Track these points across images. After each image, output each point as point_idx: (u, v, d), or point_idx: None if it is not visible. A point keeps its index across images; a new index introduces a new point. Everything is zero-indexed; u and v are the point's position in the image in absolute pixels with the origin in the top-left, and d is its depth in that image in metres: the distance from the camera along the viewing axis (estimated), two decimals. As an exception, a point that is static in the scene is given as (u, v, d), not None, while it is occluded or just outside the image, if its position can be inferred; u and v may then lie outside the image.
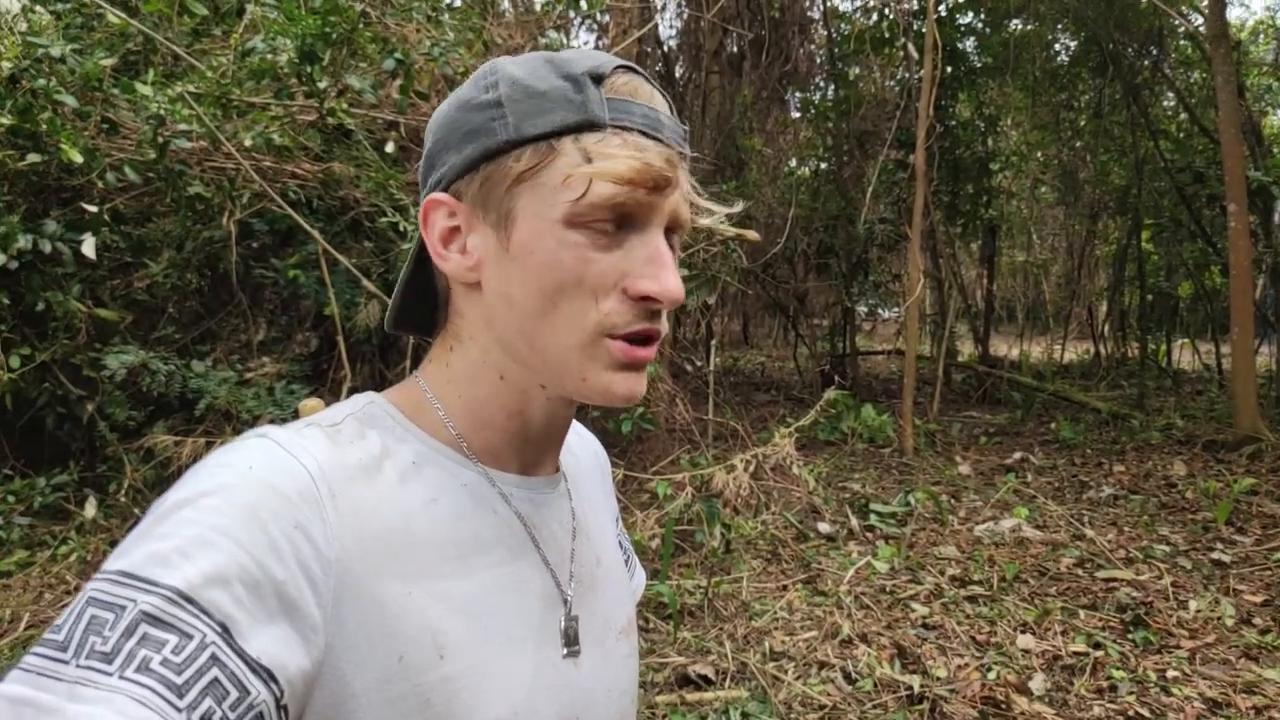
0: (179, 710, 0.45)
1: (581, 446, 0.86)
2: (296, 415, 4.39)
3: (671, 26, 11.20)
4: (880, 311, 13.89)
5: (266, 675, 0.49)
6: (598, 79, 0.61)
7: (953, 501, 5.51)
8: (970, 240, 12.48)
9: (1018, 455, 6.94)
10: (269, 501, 0.53)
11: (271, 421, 4.28)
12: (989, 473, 6.43)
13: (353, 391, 4.41)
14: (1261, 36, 12.09)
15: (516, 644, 0.63)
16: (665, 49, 10.07)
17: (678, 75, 10.56)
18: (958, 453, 7.12)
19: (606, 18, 7.07)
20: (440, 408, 0.67)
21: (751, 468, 4.54)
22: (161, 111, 3.91)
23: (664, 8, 10.21)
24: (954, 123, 10.26)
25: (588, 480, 0.82)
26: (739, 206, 0.72)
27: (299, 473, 0.56)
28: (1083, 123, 11.29)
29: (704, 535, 4.20)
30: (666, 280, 0.61)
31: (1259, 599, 3.76)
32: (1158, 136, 9.95)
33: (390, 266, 4.35)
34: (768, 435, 4.89)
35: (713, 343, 5.85)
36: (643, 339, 0.62)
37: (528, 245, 0.61)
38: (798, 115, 12.06)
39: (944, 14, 9.71)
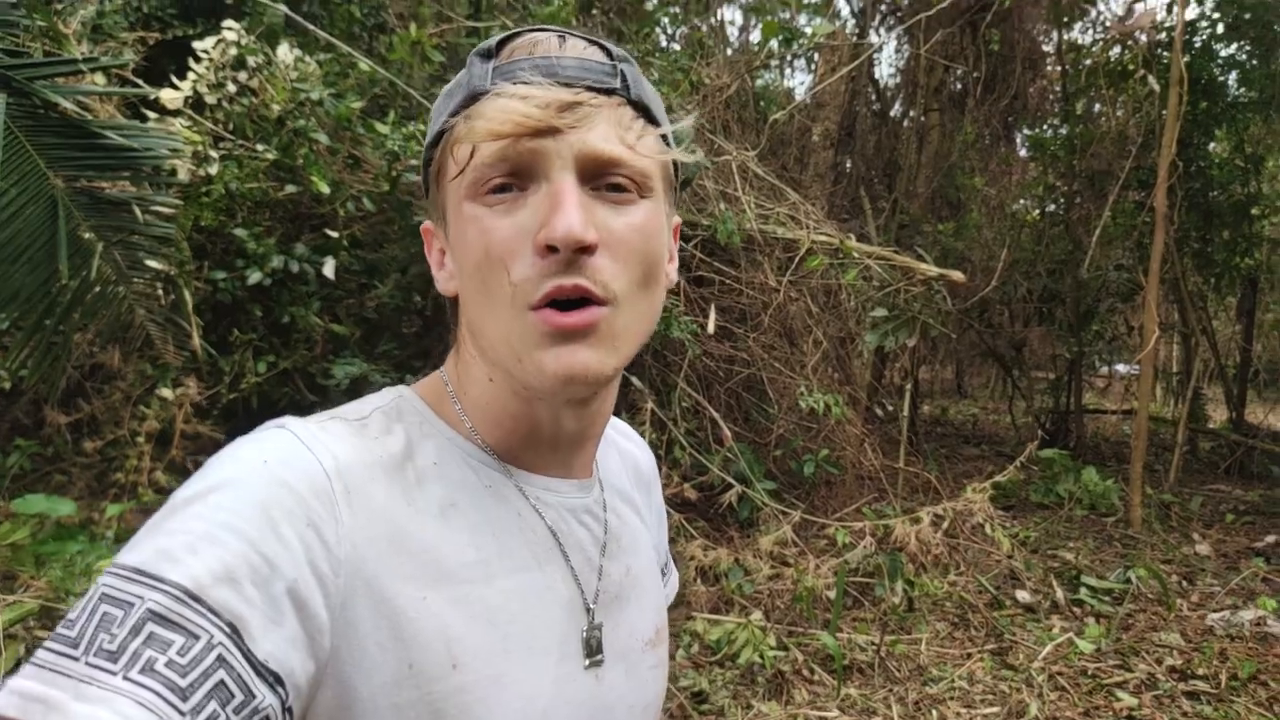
0: (182, 714, 0.44)
1: (622, 449, 0.83)
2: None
3: (891, 65, 10.96)
4: (1117, 367, 12.62)
5: (273, 679, 0.48)
6: (486, 54, 0.59)
7: (1184, 584, 4.85)
8: (1226, 294, 11.07)
9: (1271, 539, 6.00)
10: (281, 498, 0.52)
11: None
12: (1232, 555, 5.61)
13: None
14: None
15: (537, 655, 0.61)
16: (881, 86, 9.84)
17: (893, 114, 10.29)
18: (1196, 529, 6.28)
19: (817, 56, 7.04)
20: (459, 405, 0.65)
21: (944, 523, 4.25)
22: (396, 149, 4.34)
23: (881, 46, 10.02)
24: (1207, 163, 9.20)
25: (626, 483, 0.79)
26: (689, 121, 0.66)
27: (314, 468, 0.55)
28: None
29: (884, 589, 3.97)
30: (558, 221, 0.54)
31: None
32: None
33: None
34: (965, 489, 4.57)
35: (907, 385, 5.56)
36: (573, 302, 0.56)
37: (455, 238, 0.60)
38: (1024, 154, 11.34)
39: (1199, 45, 8.78)
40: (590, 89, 0.57)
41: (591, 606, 0.66)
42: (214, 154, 4.28)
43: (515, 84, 0.57)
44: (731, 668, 3.18)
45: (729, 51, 6.74)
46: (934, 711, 2.99)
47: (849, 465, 4.78)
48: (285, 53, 4.81)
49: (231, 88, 4.70)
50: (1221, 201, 9.16)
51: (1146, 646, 3.81)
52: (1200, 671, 3.49)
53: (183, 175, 4.15)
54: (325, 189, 4.43)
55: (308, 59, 4.92)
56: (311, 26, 4.77)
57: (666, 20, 7.90)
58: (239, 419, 4.87)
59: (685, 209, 4.45)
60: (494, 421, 0.64)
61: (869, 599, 4.07)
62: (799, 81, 9.13)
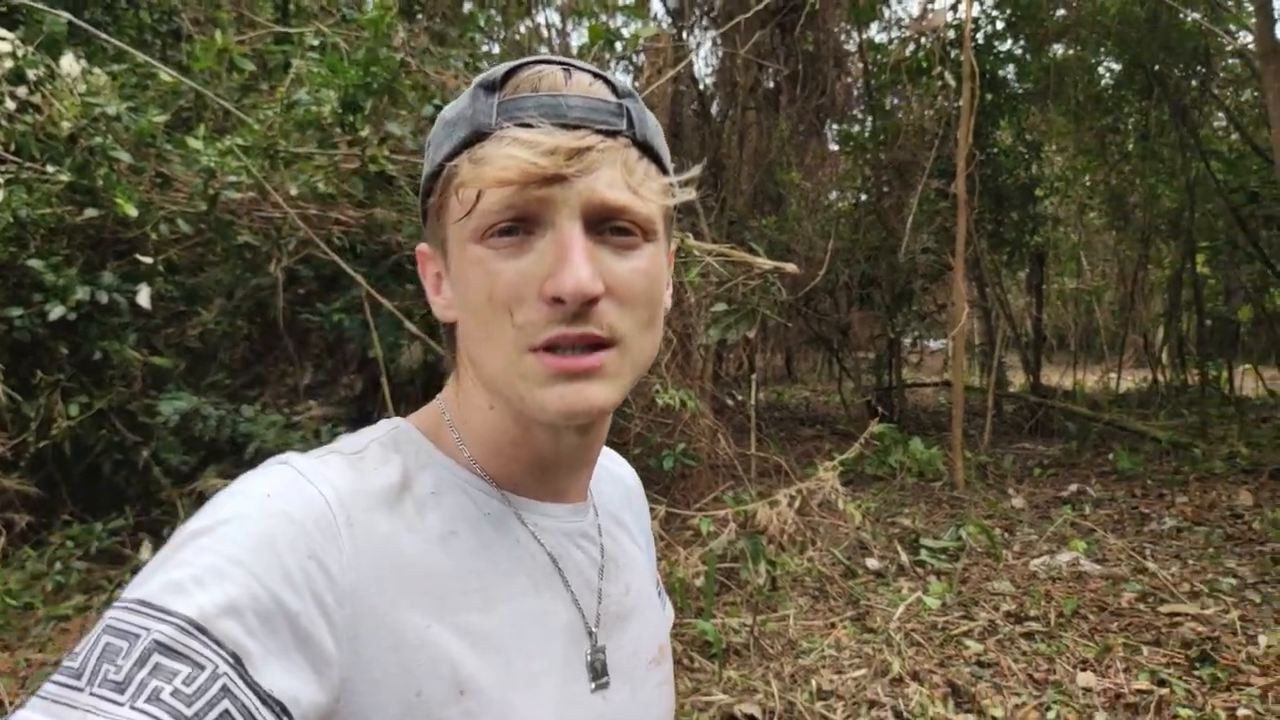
0: None
1: (612, 473, 0.84)
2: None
3: (708, 65, 11.34)
4: (928, 343, 13.67)
5: (279, 709, 0.48)
6: (489, 86, 0.59)
7: (1006, 536, 5.34)
8: (1017, 269, 12.27)
9: (1074, 487, 6.73)
10: (285, 531, 0.53)
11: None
12: (1044, 506, 6.23)
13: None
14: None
15: (541, 679, 0.62)
16: (701, 88, 10.16)
17: (714, 113, 10.65)
18: (1011, 485, 6.93)
19: (642, 57, 7.18)
20: (457, 434, 0.66)
21: (796, 503, 4.46)
22: (211, 164, 4.05)
23: (699, 46, 10.35)
24: (995, 150, 10.15)
25: (618, 507, 0.80)
26: (695, 170, 0.67)
27: (316, 501, 0.55)
28: (1130, 146, 11.09)
29: (749, 572, 4.13)
30: (565, 276, 0.55)
31: (1338, 634, 3.57)
32: (1209, 157, 9.72)
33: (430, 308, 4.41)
34: (813, 470, 4.82)
35: (754, 376, 5.80)
36: (585, 346, 0.57)
37: (457, 274, 0.61)
38: (836, 148, 12.06)
39: (981, 41, 9.67)
40: (597, 131, 0.57)
41: (594, 630, 0.67)
42: (-3, 178, 3.85)
43: (521, 126, 0.56)
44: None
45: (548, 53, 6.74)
46: (811, 681, 3.15)
47: (704, 457, 4.92)
48: (70, 64, 4.38)
49: (10, 104, 4.24)
50: (1009, 185, 10.11)
51: (984, 596, 4.17)
52: (1032, 613, 3.86)
53: (-41, 203, 3.70)
54: (132, 211, 4.07)
55: (96, 70, 4.51)
56: (98, 33, 4.36)
57: (484, 23, 7.82)
58: (50, 467, 4.40)
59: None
60: (494, 448, 0.65)
61: (735, 583, 4.21)
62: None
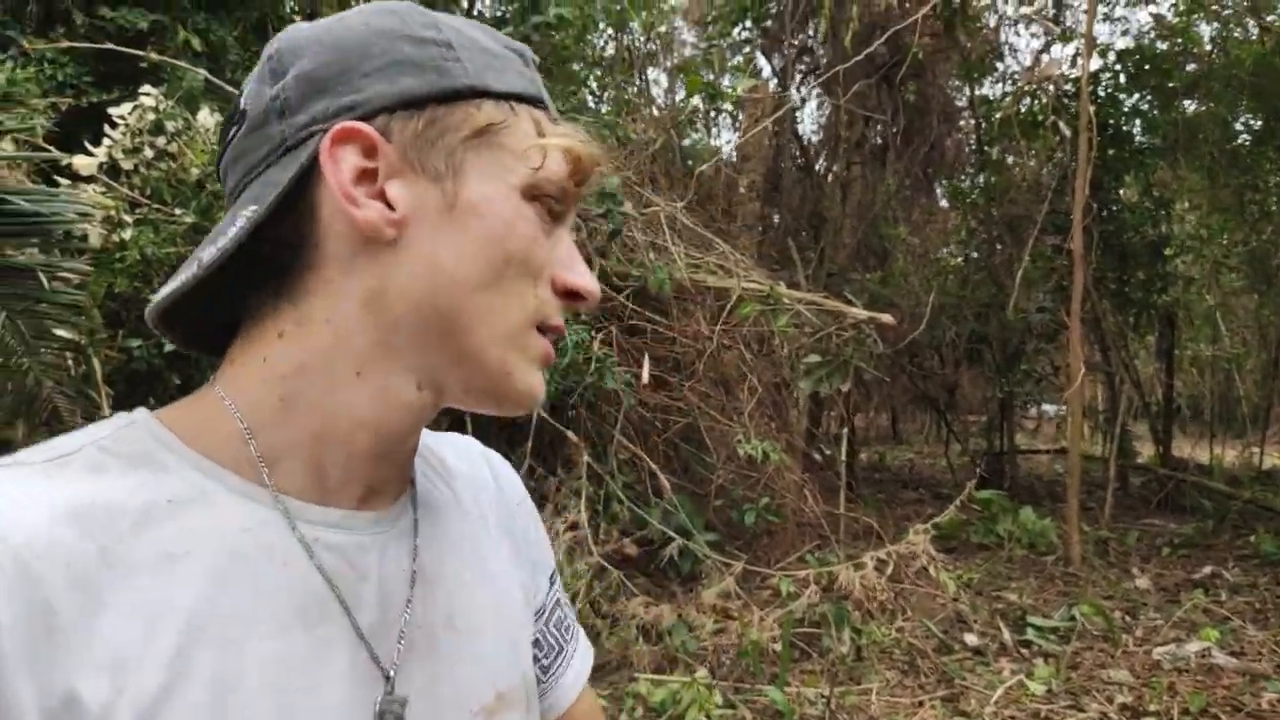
0: None
1: (460, 468, 0.70)
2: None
3: (814, 121, 11.32)
4: (1044, 408, 12.95)
5: None
6: (526, 58, 0.59)
7: (1127, 619, 4.89)
8: (1145, 332, 11.51)
9: (1208, 570, 6.12)
10: None
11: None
12: (1172, 588, 5.69)
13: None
14: None
15: None
16: (804, 141, 10.13)
17: (818, 168, 10.58)
18: (1134, 564, 6.37)
19: (741, 113, 7.21)
20: (244, 420, 0.52)
21: (888, 568, 4.22)
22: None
23: (803, 102, 10.34)
24: (1118, 207, 9.65)
25: (463, 510, 0.66)
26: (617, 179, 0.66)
27: None
28: (1271, 205, 10.33)
29: (831, 639, 3.90)
30: (589, 280, 0.58)
31: None
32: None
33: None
34: (906, 533, 4.56)
35: (844, 430, 5.59)
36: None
37: (478, 207, 0.52)
38: (945, 205, 11.76)
39: (1103, 95, 9.28)
40: None
41: (390, 673, 0.53)
42: (128, 219, 4.14)
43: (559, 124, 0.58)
44: (682, 733, 3.06)
45: (654, 111, 6.86)
46: (886, 763, 2.92)
47: (789, 513, 4.74)
48: (206, 117, 4.72)
49: (149, 153, 4.59)
50: (1135, 243, 9.57)
51: (1096, 685, 3.80)
52: (1152, 707, 3.48)
53: (94, 240, 3.99)
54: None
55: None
56: (233, 90, 4.69)
57: (594, 83, 8.04)
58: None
59: (615, 259, 4.45)
60: (317, 433, 0.52)
61: (816, 650, 3.99)
62: (726, 141, 9.32)
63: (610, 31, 7.53)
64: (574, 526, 3.82)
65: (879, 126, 10.18)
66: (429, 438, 0.70)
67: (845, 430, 5.64)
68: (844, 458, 5.15)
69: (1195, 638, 4.40)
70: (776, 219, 9.06)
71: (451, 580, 0.61)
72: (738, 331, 4.89)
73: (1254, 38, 9.42)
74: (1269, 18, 9.11)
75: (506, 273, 0.53)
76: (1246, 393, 14.59)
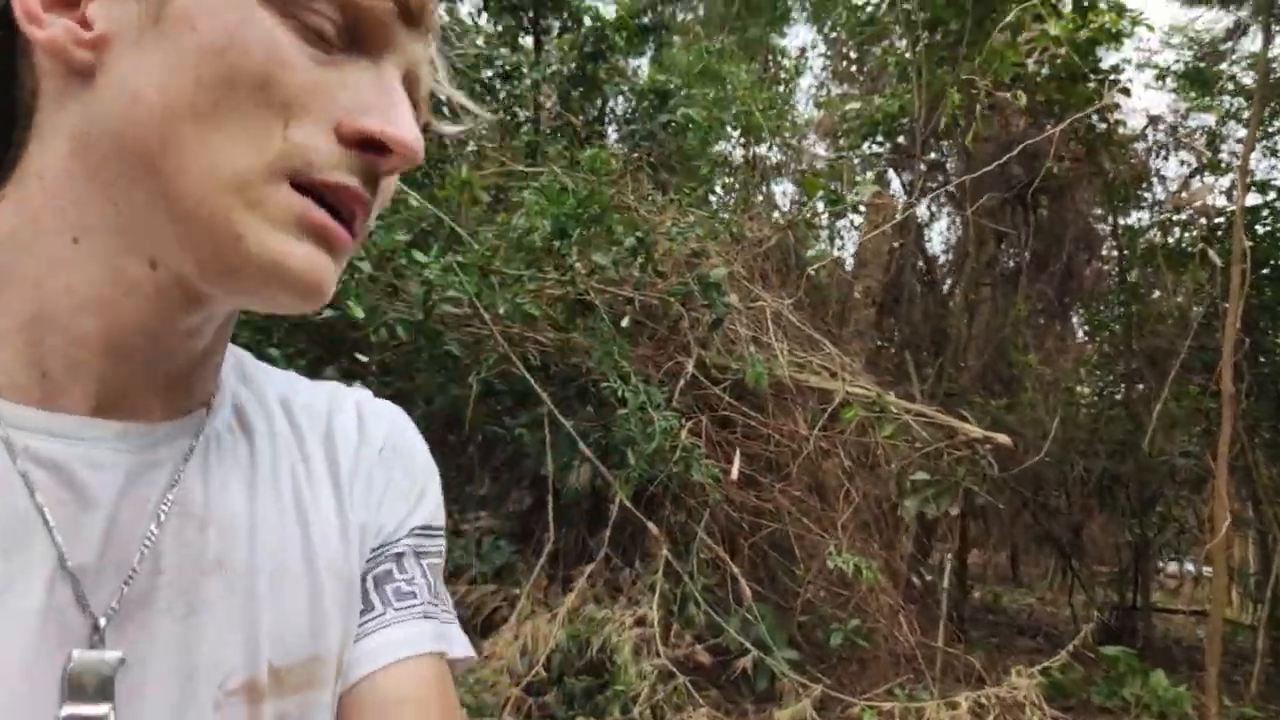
0: None
1: (312, 407, 0.58)
2: (497, 571, 4.41)
3: (943, 237, 11.14)
4: (1187, 566, 11.82)
5: None
6: None
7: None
8: (1310, 490, 10.39)
9: (1380, 771, 5.24)
10: None
11: (473, 580, 4.33)
12: (1332, 786, 4.87)
13: (555, 556, 4.38)
14: None
15: None
16: (930, 255, 9.93)
17: (944, 286, 10.29)
18: (1288, 753, 5.53)
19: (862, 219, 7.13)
20: None
21: (989, 716, 3.78)
22: (433, 277, 4.40)
23: (932, 219, 10.19)
24: (1278, 352, 8.90)
25: (279, 445, 0.54)
26: (478, 117, 0.54)
27: None
28: None
29: (914, 786, 3.49)
30: (403, 123, 0.43)
31: None
32: None
33: (609, 431, 4.38)
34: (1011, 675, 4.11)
35: (949, 556, 5.18)
36: (344, 217, 0.43)
37: (191, 17, 0.41)
38: (1083, 337, 11.19)
39: (1264, 230, 8.71)
40: None
41: (101, 622, 0.42)
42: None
43: None
44: None
45: (775, 213, 6.88)
46: None
47: (882, 640, 4.36)
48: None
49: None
50: (1292, 389, 8.76)
51: None
52: None
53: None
54: (360, 314, 4.47)
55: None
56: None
57: (719, 186, 8.18)
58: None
59: (715, 350, 4.36)
60: (37, 314, 0.43)
61: (899, 797, 3.57)
62: (839, 246, 9.25)
63: (739, 136, 7.70)
64: (641, 622, 3.62)
65: (1011, 249, 9.87)
66: (302, 383, 0.62)
67: (951, 557, 5.21)
68: (946, 586, 4.74)
69: None
70: (895, 333, 8.81)
71: (233, 520, 0.49)
72: (839, 438, 4.67)
73: None
74: None
75: (230, 100, 0.40)
76: None
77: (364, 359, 4.78)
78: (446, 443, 5.19)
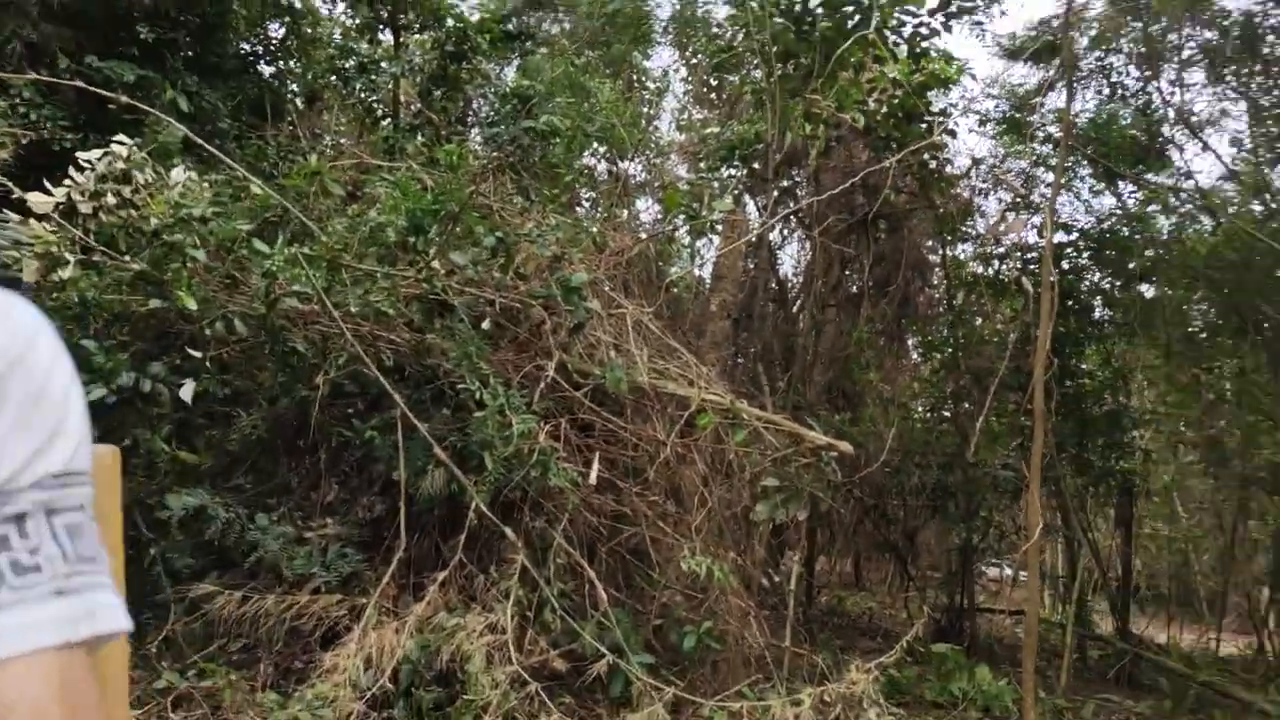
0: None
1: None
2: (344, 580, 4.18)
3: (794, 261, 11.63)
4: (1006, 571, 12.79)
5: None
6: None
7: (1080, 792, 4.55)
8: (1104, 502, 11.49)
9: (1165, 749, 5.81)
10: None
11: (316, 590, 4.08)
12: (1129, 765, 5.36)
13: (406, 563, 4.20)
14: None
15: None
16: (781, 277, 10.33)
17: (794, 307, 10.74)
18: (1090, 737, 6.04)
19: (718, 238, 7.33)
20: None
21: (832, 712, 3.91)
22: (275, 269, 4.14)
23: (784, 242, 10.63)
24: (1080, 375, 9.86)
25: None
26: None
27: None
28: (1226, 388, 10.58)
29: (765, 782, 3.56)
30: None
31: None
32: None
33: (465, 435, 4.26)
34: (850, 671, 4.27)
35: (795, 557, 5.36)
36: None
37: None
38: (918, 357, 11.95)
39: (1067, 267, 9.64)
40: None
41: None
42: (70, 257, 4.00)
43: None
44: None
45: (636, 226, 6.96)
46: None
47: (733, 642, 4.44)
48: (179, 174, 4.66)
49: (111, 199, 4.50)
50: (1095, 410, 9.70)
51: None
52: None
53: (29, 275, 3.83)
54: (192, 304, 4.15)
55: (198, 179, 4.77)
56: (210, 149, 4.66)
57: (585, 198, 8.20)
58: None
59: (576, 355, 4.34)
60: None
61: (749, 794, 3.63)
62: (707, 270, 9.50)
63: (604, 150, 7.75)
64: (494, 629, 3.52)
65: (854, 274, 10.43)
66: None
67: (799, 561, 5.40)
68: (794, 589, 4.89)
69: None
70: (750, 348, 9.10)
71: None
72: (696, 444, 4.74)
73: (1208, 232, 9.95)
74: (1221, 218, 9.65)
75: None
76: (1203, 577, 14.46)
77: (197, 354, 4.44)
78: (293, 447, 4.89)
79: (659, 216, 9.56)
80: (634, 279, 5.50)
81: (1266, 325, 9.33)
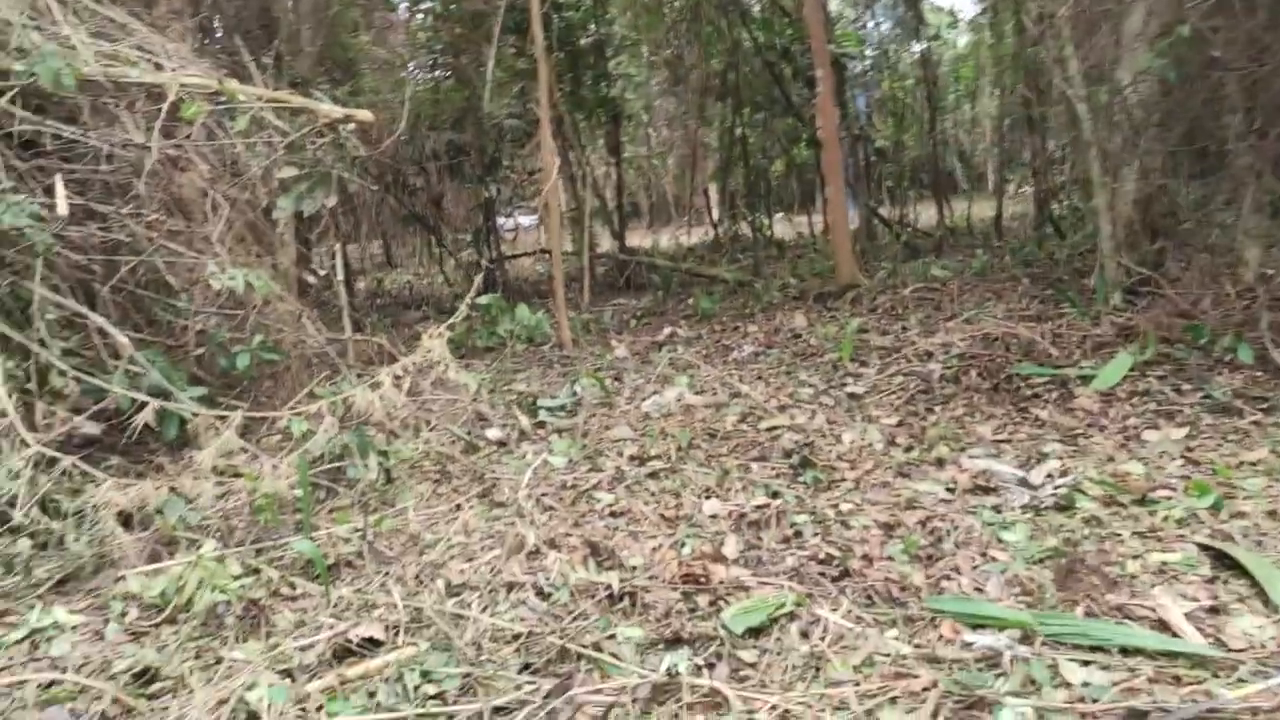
0: None
1: None
2: None
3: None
4: (521, 220, 13.72)
5: None
6: None
7: (617, 384, 5.47)
8: (598, 132, 12.57)
9: (667, 331, 7.16)
10: None
11: None
12: (644, 351, 6.54)
13: None
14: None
15: None
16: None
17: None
18: (613, 338, 7.18)
19: None
20: None
21: (405, 383, 4.00)
22: None
23: None
24: (568, 10, 10.10)
25: None
26: None
27: None
28: (678, 4, 11.72)
29: (358, 469, 3.63)
30: None
31: (894, 420, 4.15)
32: (747, 20, 10.63)
33: None
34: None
35: (336, 245, 5.10)
36: None
37: None
38: (404, 14, 11.11)
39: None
40: None
41: None
42: None
43: None
44: (188, 620, 2.56)
45: None
46: (440, 577, 2.81)
47: (290, 348, 4.21)
48: None
49: None
50: (582, 43, 10.16)
51: (606, 445, 4.17)
52: (654, 452, 3.92)
53: None
54: None
55: None
56: None
57: None
58: None
59: (-23, 47, 3.20)
60: None
61: (344, 484, 3.69)
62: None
63: None
64: (-9, 414, 2.85)
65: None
66: None
67: (339, 248, 5.12)
68: (341, 277, 4.68)
69: (670, 386, 5.10)
70: (219, 19, 7.58)
71: None
72: (188, 143, 3.98)
73: None
74: None
75: None
76: (671, 187, 17.16)
77: None
78: None
79: None
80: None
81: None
